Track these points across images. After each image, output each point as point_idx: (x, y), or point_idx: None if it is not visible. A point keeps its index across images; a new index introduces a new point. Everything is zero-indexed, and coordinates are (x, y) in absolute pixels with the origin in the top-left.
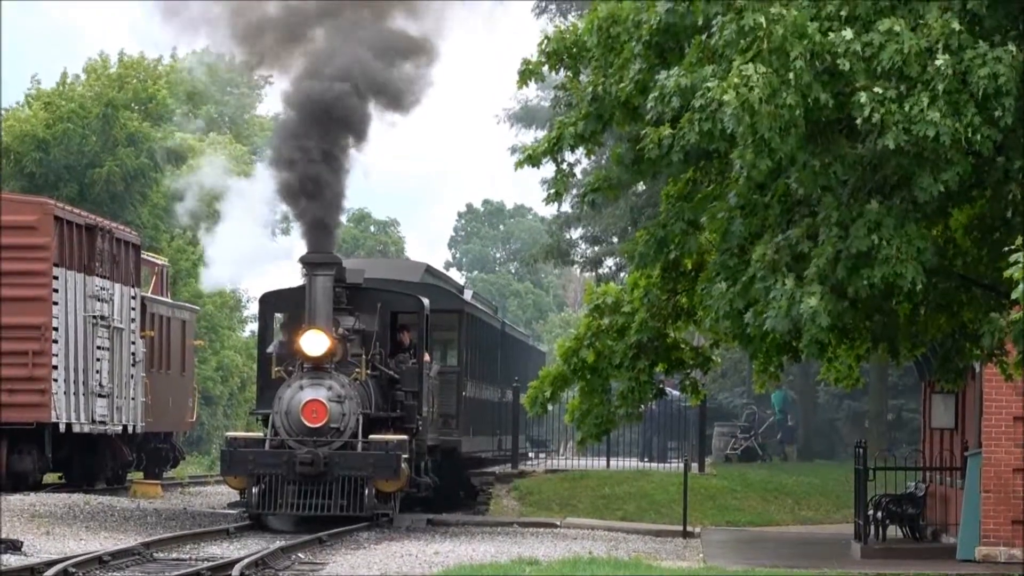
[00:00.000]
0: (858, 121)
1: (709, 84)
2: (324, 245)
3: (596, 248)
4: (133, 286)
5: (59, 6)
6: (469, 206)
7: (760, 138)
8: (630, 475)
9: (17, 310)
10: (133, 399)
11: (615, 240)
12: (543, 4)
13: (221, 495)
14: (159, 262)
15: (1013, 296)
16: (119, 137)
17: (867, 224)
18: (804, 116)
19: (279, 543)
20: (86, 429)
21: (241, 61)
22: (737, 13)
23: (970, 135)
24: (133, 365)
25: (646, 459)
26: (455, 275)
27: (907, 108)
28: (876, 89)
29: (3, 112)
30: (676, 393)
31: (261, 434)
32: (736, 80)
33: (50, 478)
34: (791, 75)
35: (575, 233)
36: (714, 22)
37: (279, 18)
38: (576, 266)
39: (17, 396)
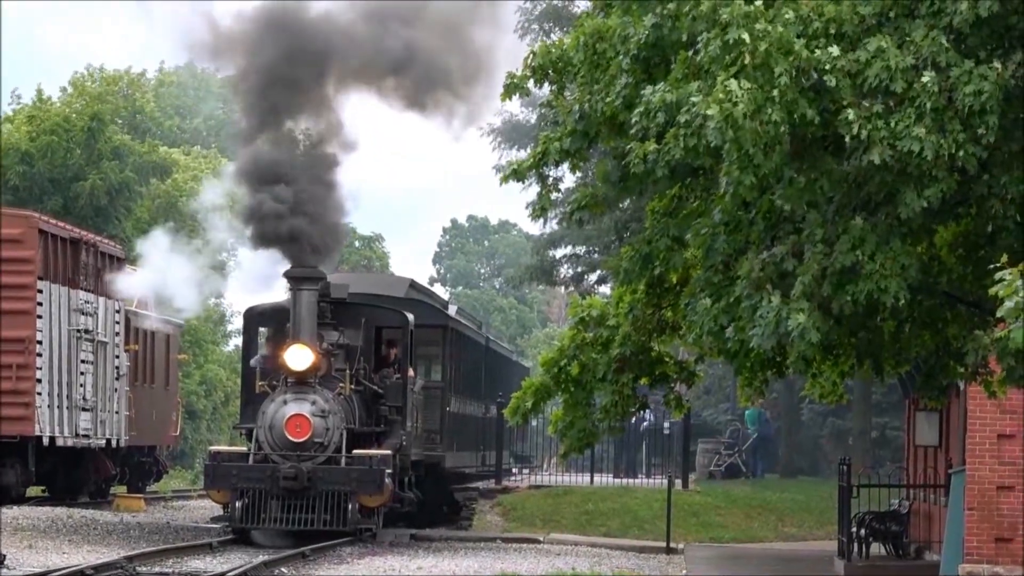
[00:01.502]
0: (847, 139)
1: (694, 99)
2: (308, 257)
3: (580, 268)
4: (117, 300)
5: (41, 22)
6: (454, 221)
7: (744, 154)
8: (614, 491)
9: (1, 323)
10: (117, 413)
11: (597, 255)
12: (527, 25)
13: (204, 509)
14: None
15: (998, 314)
16: (104, 151)
17: (851, 240)
18: (790, 132)
19: (262, 557)
20: (69, 443)
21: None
22: (722, 29)
23: (955, 151)
24: (117, 379)
25: (621, 475)
26: (439, 290)
27: (893, 124)
28: (864, 104)
29: None
30: (652, 417)
31: (245, 448)
32: (721, 95)
33: (33, 491)
34: (776, 91)
35: (559, 252)
36: (699, 38)
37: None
38: (561, 286)
39: (1, 409)
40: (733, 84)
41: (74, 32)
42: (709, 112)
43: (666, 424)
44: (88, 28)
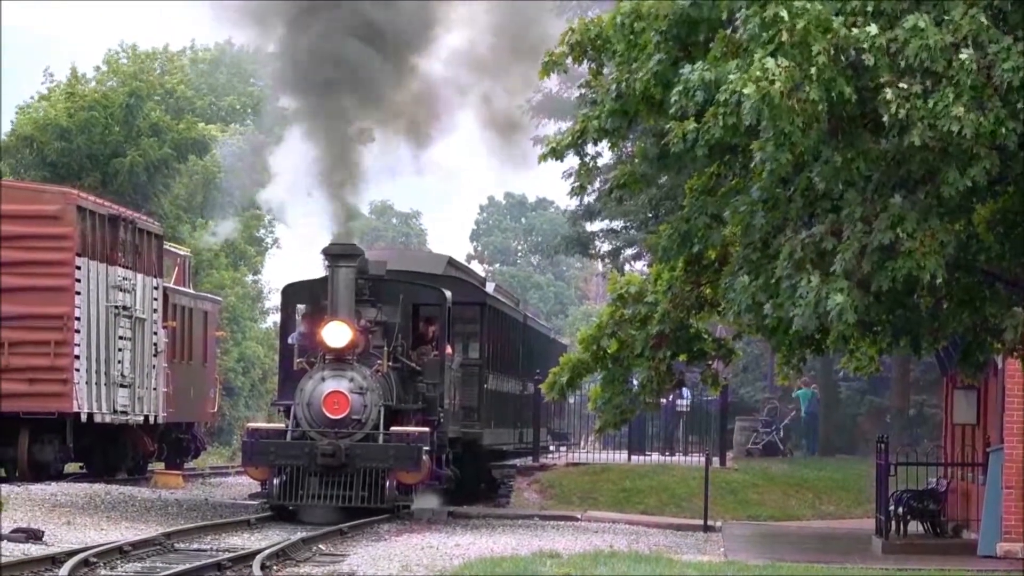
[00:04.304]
0: (885, 118)
1: (731, 76)
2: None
3: (615, 242)
4: (155, 276)
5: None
6: (491, 199)
7: (781, 131)
8: (651, 469)
9: (39, 300)
10: (155, 389)
11: (633, 232)
12: (562, 4)
13: (242, 486)
14: (181, 252)
15: None
16: (143, 127)
17: (891, 218)
18: (827, 110)
19: (300, 534)
20: (107, 419)
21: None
22: (761, 6)
23: (995, 128)
24: (155, 355)
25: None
26: (477, 267)
27: (932, 104)
28: (901, 84)
29: (20, 105)
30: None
31: (282, 425)
32: (757, 73)
33: (71, 468)
34: (813, 69)
35: (595, 226)
36: (738, 15)
37: None
38: (597, 259)
39: (39, 386)
40: (770, 62)
41: (107, 9)
42: (745, 91)
43: (681, 402)
44: (122, 5)
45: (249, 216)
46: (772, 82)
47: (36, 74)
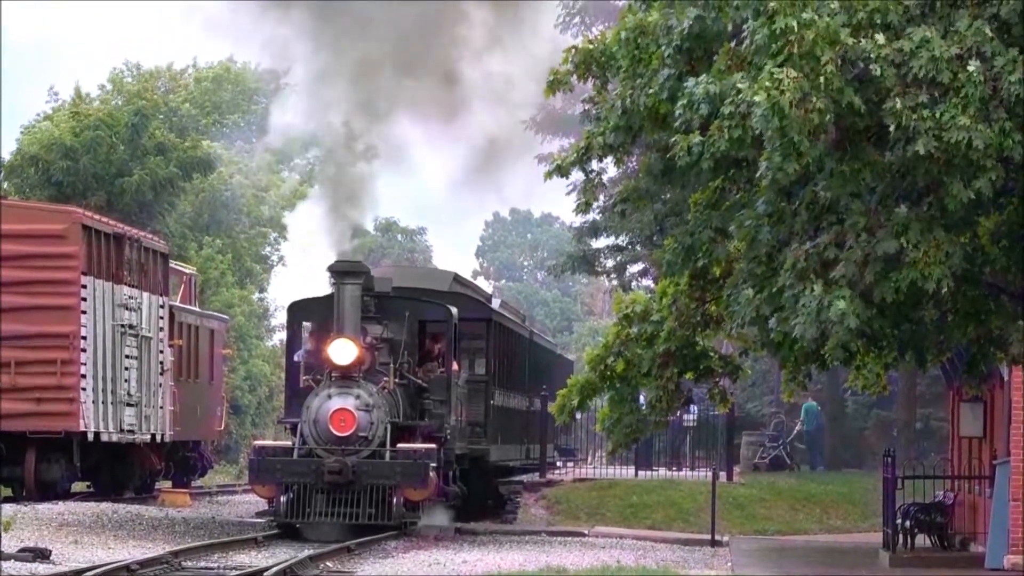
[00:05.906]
0: (891, 128)
1: (740, 87)
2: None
3: (619, 257)
4: (161, 295)
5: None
6: (496, 215)
7: (789, 141)
8: (658, 484)
9: (45, 319)
10: (161, 408)
11: (638, 248)
12: (567, 20)
13: (249, 504)
14: (187, 271)
15: None
16: (148, 146)
17: (894, 228)
18: (835, 121)
19: (307, 552)
20: (114, 438)
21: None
22: (769, 18)
23: (1001, 141)
24: (161, 374)
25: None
26: (483, 284)
27: (938, 115)
28: (910, 91)
29: (25, 125)
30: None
31: (289, 443)
32: (768, 83)
33: (78, 487)
34: (821, 80)
35: (600, 243)
36: (745, 27)
37: None
38: (602, 276)
39: (46, 405)
40: (780, 72)
41: (112, 27)
42: (756, 99)
43: (688, 417)
44: (126, 23)
45: (256, 233)
46: (782, 92)
47: (35, 79)
